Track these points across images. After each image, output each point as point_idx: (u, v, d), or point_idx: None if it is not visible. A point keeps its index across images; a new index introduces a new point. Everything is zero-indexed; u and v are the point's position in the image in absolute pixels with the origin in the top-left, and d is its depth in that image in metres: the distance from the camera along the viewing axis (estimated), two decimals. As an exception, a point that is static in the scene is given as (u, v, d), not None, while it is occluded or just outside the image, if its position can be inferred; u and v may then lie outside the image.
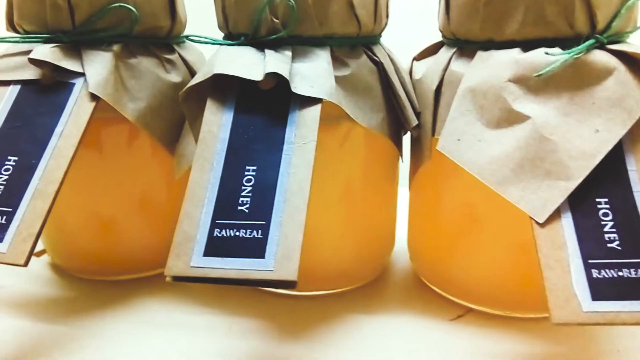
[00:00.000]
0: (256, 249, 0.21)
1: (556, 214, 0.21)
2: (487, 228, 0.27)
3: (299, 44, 0.25)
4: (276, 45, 0.25)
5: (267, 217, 0.21)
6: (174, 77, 0.30)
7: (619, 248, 0.20)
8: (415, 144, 0.29)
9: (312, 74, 0.24)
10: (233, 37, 0.27)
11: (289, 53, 0.25)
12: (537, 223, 0.21)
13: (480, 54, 0.25)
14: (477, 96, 0.24)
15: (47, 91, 0.26)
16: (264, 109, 0.24)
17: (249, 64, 0.24)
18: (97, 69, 0.26)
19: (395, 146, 0.28)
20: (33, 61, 0.26)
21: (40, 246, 0.33)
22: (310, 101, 0.24)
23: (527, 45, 0.23)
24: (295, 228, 0.21)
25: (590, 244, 0.21)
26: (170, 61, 0.30)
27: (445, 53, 0.27)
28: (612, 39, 0.23)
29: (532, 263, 0.25)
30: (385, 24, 0.29)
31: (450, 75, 0.26)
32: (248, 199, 0.22)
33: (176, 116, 0.29)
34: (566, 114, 0.22)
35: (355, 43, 0.27)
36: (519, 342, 0.26)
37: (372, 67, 0.27)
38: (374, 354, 0.25)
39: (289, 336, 0.27)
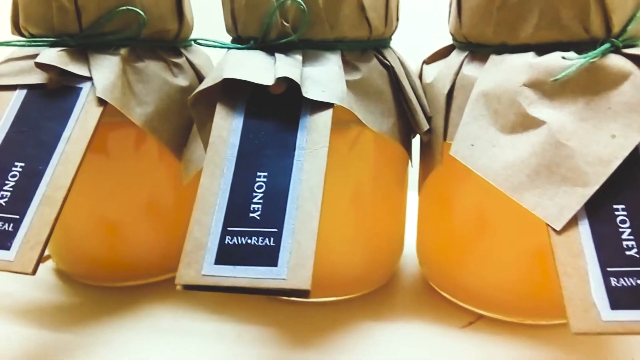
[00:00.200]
0: (269, 257, 0.20)
1: (573, 221, 0.21)
2: (499, 233, 0.26)
3: (310, 47, 0.25)
4: (286, 49, 0.25)
5: (279, 225, 0.21)
6: (182, 80, 0.29)
7: (638, 256, 0.20)
8: (426, 148, 0.29)
9: (323, 78, 0.24)
10: (242, 40, 0.26)
11: (299, 57, 0.25)
12: (554, 230, 0.21)
13: (493, 58, 0.24)
14: (491, 101, 0.23)
15: (53, 96, 0.26)
16: (274, 114, 0.24)
17: (259, 68, 0.24)
18: (104, 73, 0.26)
19: (405, 151, 0.28)
20: (39, 65, 0.26)
21: (45, 252, 0.33)
22: (322, 106, 0.23)
23: (541, 49, 0.23)
24: (308, 236, 0.20)
25: (608, 252, 0.20)
26: (177, 65, 0.30)
27: (456, 57, 0.27)
28: (628, 42, 0.23)
29: (545, 269, 0.25)
30: (396, 27, 0.28)
31: (462, 79, 0.25)
32: (259, 206, 0.22)
33: (184, 120, 0.29)
34: (582, 119, 0.22)
35: (366, 47, 0.26)
36: (531, 349, 0.25)
37: (382, 71, 0.26)
38: (386, 362, 0.25)
39: (299, 343, 0.26)
